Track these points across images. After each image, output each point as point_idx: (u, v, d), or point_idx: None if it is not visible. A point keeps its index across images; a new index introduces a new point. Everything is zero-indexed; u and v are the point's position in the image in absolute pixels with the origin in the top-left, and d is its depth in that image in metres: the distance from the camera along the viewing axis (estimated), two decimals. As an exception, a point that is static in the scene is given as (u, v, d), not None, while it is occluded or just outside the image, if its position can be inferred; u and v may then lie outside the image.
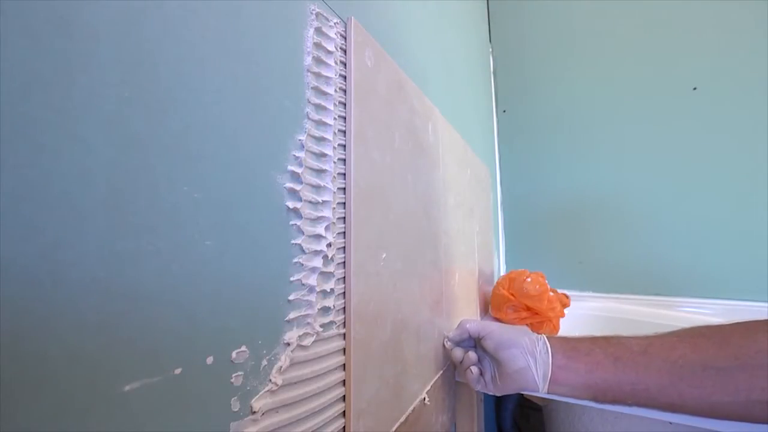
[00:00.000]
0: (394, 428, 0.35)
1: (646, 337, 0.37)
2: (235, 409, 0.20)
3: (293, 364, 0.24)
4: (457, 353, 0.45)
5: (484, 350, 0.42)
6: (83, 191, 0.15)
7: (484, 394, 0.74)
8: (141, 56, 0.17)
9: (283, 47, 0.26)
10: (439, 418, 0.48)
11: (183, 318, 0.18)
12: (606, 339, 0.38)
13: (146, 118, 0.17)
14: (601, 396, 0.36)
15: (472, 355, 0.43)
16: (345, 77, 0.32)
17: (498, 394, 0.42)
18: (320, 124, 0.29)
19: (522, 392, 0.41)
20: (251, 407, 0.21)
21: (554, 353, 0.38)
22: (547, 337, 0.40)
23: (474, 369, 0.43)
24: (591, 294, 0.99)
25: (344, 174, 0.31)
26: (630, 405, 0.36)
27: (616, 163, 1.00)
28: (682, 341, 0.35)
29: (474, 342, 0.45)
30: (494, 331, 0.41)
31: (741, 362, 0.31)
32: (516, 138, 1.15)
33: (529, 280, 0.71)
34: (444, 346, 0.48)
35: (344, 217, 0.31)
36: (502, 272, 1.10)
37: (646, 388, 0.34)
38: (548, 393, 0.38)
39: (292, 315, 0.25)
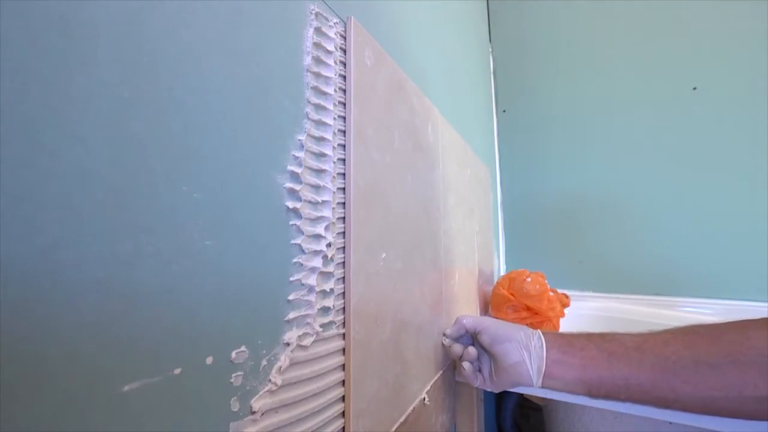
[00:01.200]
0: (393, 428, 0.35)
1: (641, 334, 0.37)
2: (235, 409, 0.20)
3: (293, 364, 0.24)
4: (457, 349, 0.45)
5: (481, 345, 0.42)
6: (82, 191, 0.15)
7: (485, 394, 0.74)
8: (141, 56, 0.17)
9: (283, 47, 0.26)
10: (439, 418, 0.48)
11: (182, 318, 0.18)
12: (601, 335, 0.39)
13: (146, 118, 0.17)
14: (595, 390, 0.37)
15: (472, 350, 0.44)
16: (345, 77, 0.32)
17: (495, 390, 0.43)
18: (320, 123, 0.29)
19: (517, 387, 0.42)
20: (251, 407, 0.21)
21: (549, 348, 0.38)
22: (542, 332, 0.40)
23: (467, 365, 0.43)
24: (591, 294, 0.99)
25: (344, 174, 0.31)
26: (623, 400, 0.36)
27: (617, 163, 1.00)
28: (675, 338, 0.35)
29: (472, 338, 0.45)
30: (490, 325, 0.42)
31: (733, 359, 0.31)
32: (516, 138, 1.15)
33: (529, 280, 0.71)
34: (443, 343, 0.48)
35: (344, 217, 0.31)
36: (502, 272, 1.10)
37: (639, 383, 0.34)
38: (542, 387, 0.39)
39: (291, 315, 0.25)
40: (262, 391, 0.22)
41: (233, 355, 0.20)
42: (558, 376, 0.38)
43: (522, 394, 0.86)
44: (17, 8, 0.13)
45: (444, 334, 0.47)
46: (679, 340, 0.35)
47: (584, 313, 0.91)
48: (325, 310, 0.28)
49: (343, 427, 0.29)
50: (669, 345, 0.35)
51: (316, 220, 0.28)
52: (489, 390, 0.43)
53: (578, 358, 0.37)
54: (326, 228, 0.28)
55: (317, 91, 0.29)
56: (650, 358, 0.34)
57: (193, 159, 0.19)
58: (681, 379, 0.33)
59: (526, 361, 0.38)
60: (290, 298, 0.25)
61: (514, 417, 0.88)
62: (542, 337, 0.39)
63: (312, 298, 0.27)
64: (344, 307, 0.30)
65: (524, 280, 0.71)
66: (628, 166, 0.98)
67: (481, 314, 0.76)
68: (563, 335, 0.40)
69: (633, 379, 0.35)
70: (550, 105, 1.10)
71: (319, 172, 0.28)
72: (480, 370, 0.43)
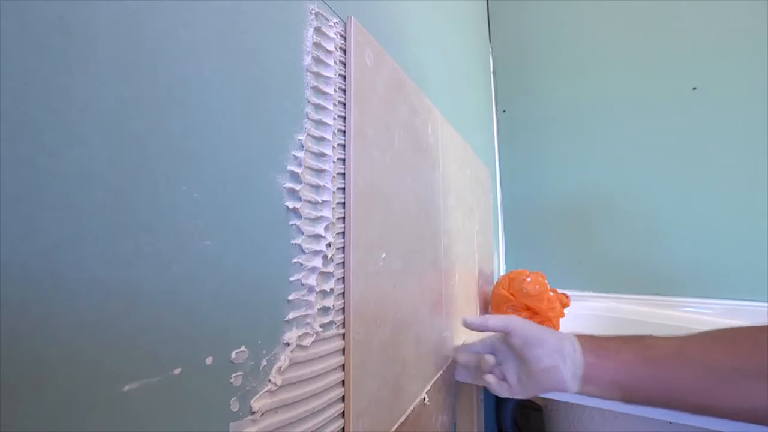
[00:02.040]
0: (393, 428, 0.35)
1: (677, 339, 0.36)
2: (235, 410, 0.20)
3: (293, 364, 0.24)
4: (463, 357, 0.42)
5: (510, 347, 0.40)
6: (83, 191, 0.15)
7: (485, 394, 0.74)
8: (140, 56, 0.17)
9: (283, 47, 0.26)
10: (439, 418, 0.48)
11: (182, 318, 0.18)
12: (636, 338, 0.37)
13: (145, 118, 0.17)
14: (630, 395, 0.35)
15: (490, 358, 0.41)
16: (344, 77, 0.32)
17: (524, 397, 0.40)
18: (320, 123, 0.29)
19: (549, 393, 0.39)
20: (251, 407, 0.21)
21: (584, 352, 0.37)
22: (574, 334, 0.39)
23: (491, 378, 0.40)
24: (591, 294, 0.99)
25: (344, 174, 0.31)
26: (660, 406, 0.35)
27: (616, 163, 1.00)
28: (716, 345, 0.34)
29: (492, 343, 0.42)
30: (519, 326, 0.39)
31: None
32: (516, 138, 1.15)
33: (528, 280, 0.71)
34: (464, 325, 0.43)
35: (344, 217, 0.31)
36: (502, 272, 1.10)
37: (680, 390, 0.33)
38: (578, 392, 0.37)
39: (291, 315, 0.25)
40: (262, 391, 0.22)
41: (233, 355, 0.20)
42: (593, 380, 0.36)
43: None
44: (17, 8, 0.13)
45: (465, 321, 0.42)
46: (721, 347, 0.33)
47: (584, 313, 0.91)
48: (325, 310, 0.28)
49: (343, 427, 0.29)
50: (711, 353, 0.33)
51: (316, 220, 0.28)
52: (518, 397, 0.40)
53: (613, 362, 0.36)
54: (326, 228, 0.28)
55: (317, 91, 0.29)
56: (691, 365, 0.33)
57: (193, 159, 0.19)
58: (725, 389, 0.31)
59: (561, 366, 0.36)
60: (290, 298, 0.25)
61: (514, 417, 0.88)
62: (576, 340, 0.38)
63: (312, 298, 0.27)
64: (344, 307, 0.30)
65: (524, 280, 0.71)
66: (628, 166, 0.98)
67: (480, 314, 0.76)
68: (595, 338, 0.38)
69: (673, 387, 0.33)
70: (550, 105, 1.10)
71: (319, 172, 0.28)
72: (504, 378, 0.40)
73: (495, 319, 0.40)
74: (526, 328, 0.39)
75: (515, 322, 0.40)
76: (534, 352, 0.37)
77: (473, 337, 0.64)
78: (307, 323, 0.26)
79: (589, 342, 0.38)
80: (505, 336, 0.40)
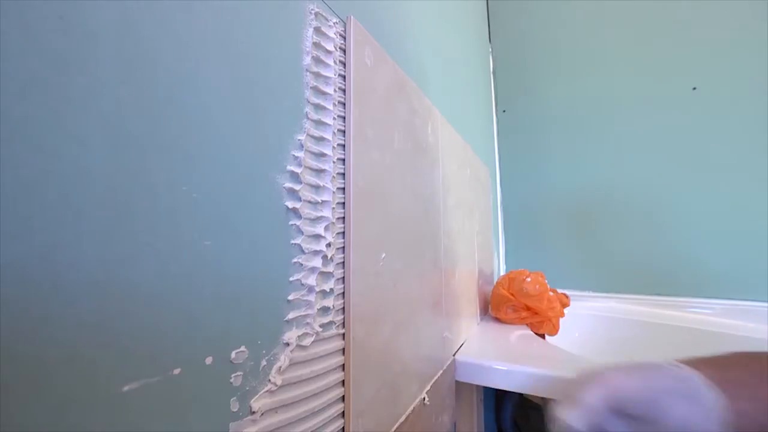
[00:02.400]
0: (393, 428, 0.35)
1: None
2: (235, 410, 0.20)
3: (292, 364, 0.24)
4: None
5: (621, 417, 0.30)
6: (82, 192, 0.15)
7: (484, 394, 0.74)
8: (139, 56, 0.17)
9: (282, 47, 0.26)
10: (439, 418, 0.48)
11: (182, 318, 0.18)
12: (746, 359, 0.31)
13: (145, 119, 0.17)
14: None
15: None
16: (344, 77, 0.32)
17: None
18: (319, 123, 0.29)
19: None
20: (250, 407, 0.21)
21: (719, 391, 0.29)
22: (683, 363, 0.31)
23: None
24: (591, 294, 0.99)
25: (344, 174, 0.31)
26: None
27: (616, 163, 1.00)
28: None
29: (597, 423, 0.31)
30: (628, 388, 0.30)
31: None
32: (516, 138, 1.15)
33: (528, 279, 0.71)
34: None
35: (344, 217, 0.31)
36: (502, 272, 1.10)
37: None
38: None
39: (291, 315, 0.25)
40: (261, 391, 0.22)
41: (233, 355, 0.20)
42: (734, 423, 0.29)
43: (522, 394, 0.86)
44: (17, 8, 0.13)
45: (568, 425, 0.30)
46: None
47: (584, 313, 0.91)
48: (325, 310, 0.28)
49: (343, 427, 0.29)
50: None
51: (316, 220, 0.28)
52: None
53: (755, 401, 0.29)
54: (326, 228, 0.28)
55: (317, 90, 0.29)
56: None
57: (193, 159, 0.19)
58: None
59: (700, 413, 0.29)
60: (290, 298, 0.25)
61: (514, 417, 0.88)
62: (701, 377, 0.30)
63: (312, 298, 0.27)
64: (344, 307, 0.30)
65: (524, 280, 0.71)
66: (628, 166, 0.99)
67: (481, 314, 0.76)
68: (714, 367, 0.31)
69: None
70: (550, 105, 1.11)
71: (319, 172, 0.28)
72: None
73: (595, 398, 0.30)
74: (639, 390, 0.30)
75: (618, 386, 0.30)
76: (666, 413, 0.29)
77: (474, 338, 0.64)
78: (307, 323, 0.26)
79: (711, 373, 0.30)
80: (617, 409, 0.30)
